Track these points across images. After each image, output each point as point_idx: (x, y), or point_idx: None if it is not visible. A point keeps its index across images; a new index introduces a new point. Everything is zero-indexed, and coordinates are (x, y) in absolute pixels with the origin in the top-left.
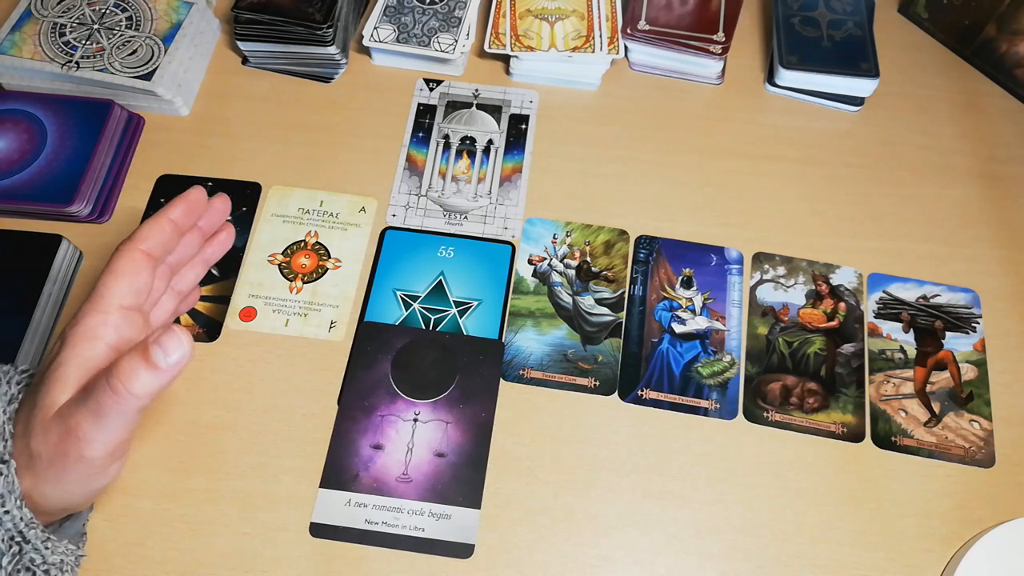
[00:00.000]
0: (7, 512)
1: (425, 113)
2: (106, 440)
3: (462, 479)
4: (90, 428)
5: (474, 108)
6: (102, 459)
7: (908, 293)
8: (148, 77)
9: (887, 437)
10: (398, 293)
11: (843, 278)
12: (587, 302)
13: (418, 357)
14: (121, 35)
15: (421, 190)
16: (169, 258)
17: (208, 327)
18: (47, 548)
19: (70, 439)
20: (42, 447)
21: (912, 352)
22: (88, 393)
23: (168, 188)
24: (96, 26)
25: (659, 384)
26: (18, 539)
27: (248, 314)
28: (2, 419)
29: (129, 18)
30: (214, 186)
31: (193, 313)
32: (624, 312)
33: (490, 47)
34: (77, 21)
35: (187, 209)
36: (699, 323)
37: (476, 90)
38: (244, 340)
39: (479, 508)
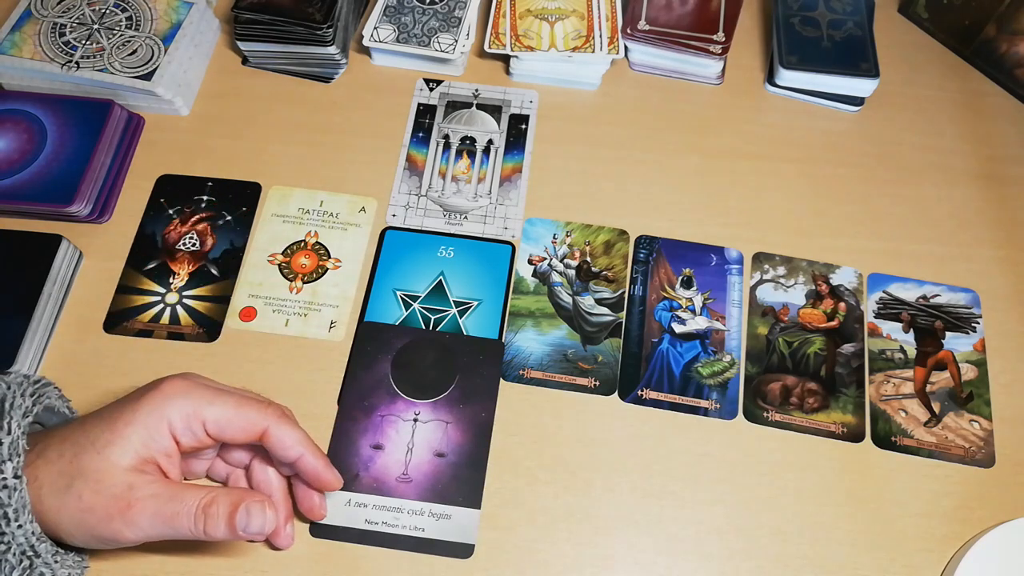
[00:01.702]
0: (20, 527)
1: (425, 113)
2: (148, 535)
3: (462, 479)
4: (149, 521)
5: (474, 108)
6: (128, 540)
7: (908, 293)
8: (148, 77)
9: (887, 437)
10: (398, 293)
11: (843, 278)
12: (587, 302)
13: (418, 357)
14: (121, 35)
15: (421, 190)
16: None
17: (208, 327)
18: (56, 562)
19: (121, 508)
20: (92, 497)
21: (912, 352)
22: (173, 502)
23: (168, 188)
24: (96, 26)
25: (659, 384)
26: (29, 553)
27: (248, 314)
28: (17, 434)
29: (129, 18)
30: (214, 186)
31: (193, 313)
32: (624, 312)
33: (490, 47)
34: (77, 21)
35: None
36: (699, 323)
37: (476, 90)
38: (244, 340)
39: (479, 508)
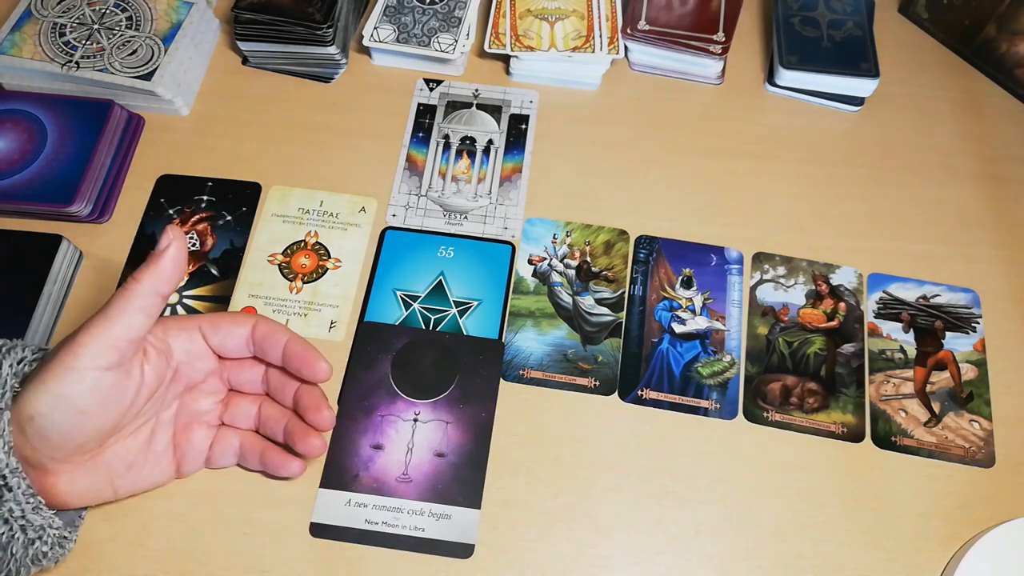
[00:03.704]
0: None
1: (425, 113)
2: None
3: (462, 479)
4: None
5: (474, 108)
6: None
7: (908, 293)
8: (148, 77)
9: (887, 437)
10: (398, 293)
11: (843, 278)
12: (587, 302)
13: (418, 357)
14: (121, 35)
15: (421, 190)
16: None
17: None
18: (29, 503)
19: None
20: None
21: (912, 352)
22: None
23: (168, 188)
24: (96, 26)
25: (659, 384)
26: (0, 483)
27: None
28: (8, 372)
29: (129, 18)
30: (214, 186)
31: (193, 313)
32: (624, 312)
33: (490, 47)
34: (77, 21)
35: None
36: (699, 323)
37: (476, 90)
38: None
39: (479, 508)
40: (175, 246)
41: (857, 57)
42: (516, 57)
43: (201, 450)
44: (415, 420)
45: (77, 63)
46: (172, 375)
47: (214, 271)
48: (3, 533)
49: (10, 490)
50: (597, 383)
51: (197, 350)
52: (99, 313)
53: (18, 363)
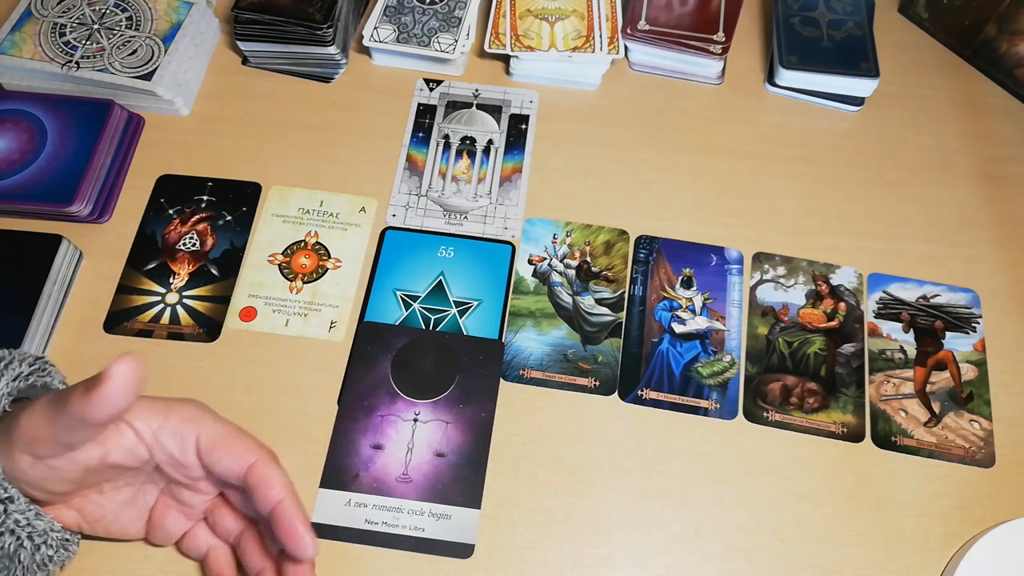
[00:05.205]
0: None
1: (425, 113)
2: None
3: (462, 479)
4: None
5: (474, 108)
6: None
7: (908, 293)
8: (148, 77)
9: (887, 437)
10: (398, 293)
11: (843, 278)
12: (587, 302)
13: (418, 357)
14: (121, 35)
15: (421, 190)
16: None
17: (208, 327)
18: (30, 510)
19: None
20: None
21: (912, 352)
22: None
23: (168, 188)
24: (96, 26)
25: (659, 384)
26: (3, 496)
27: (248, 314)
28: (3, 391)
29: (129, 18)
30: (214, 186)
31: (193, 313)
32: (624, 312)
33: (490, 47)
34: (77, 21)
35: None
36: (699, 323)
37: (476, 90)
38: (244, 340)
39: (479, 508)
40: (120, 373)
41: (857, 57)
42: (516, 57)
43: (172, 534)
44: (415, 420)
45: (77, 63)
46: (155, 467)
47: (214, 271)
48: (10, 543)
49: (12, 501)
50: (597, 383)
51: (186, 461)
52: (51, 402)
53: (13, 380)
